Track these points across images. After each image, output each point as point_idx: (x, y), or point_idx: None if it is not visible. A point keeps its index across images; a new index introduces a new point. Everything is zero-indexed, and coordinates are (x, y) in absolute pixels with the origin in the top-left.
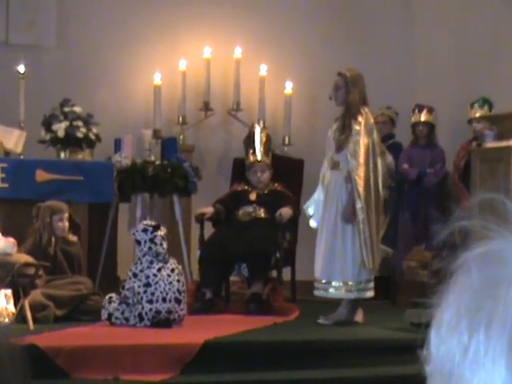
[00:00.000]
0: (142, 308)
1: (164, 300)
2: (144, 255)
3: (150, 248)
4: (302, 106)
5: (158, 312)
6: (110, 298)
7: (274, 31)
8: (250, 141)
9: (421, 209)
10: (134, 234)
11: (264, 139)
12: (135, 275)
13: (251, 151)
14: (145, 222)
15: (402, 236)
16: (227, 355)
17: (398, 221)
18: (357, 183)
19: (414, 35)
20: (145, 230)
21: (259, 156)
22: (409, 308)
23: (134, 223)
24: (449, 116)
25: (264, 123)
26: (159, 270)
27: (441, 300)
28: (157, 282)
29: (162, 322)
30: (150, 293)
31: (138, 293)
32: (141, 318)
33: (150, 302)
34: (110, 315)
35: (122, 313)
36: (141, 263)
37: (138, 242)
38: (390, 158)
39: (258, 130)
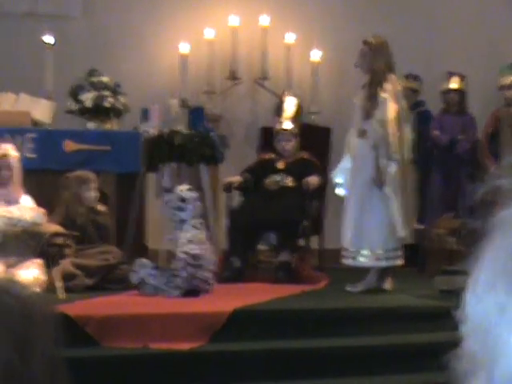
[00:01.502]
0: (188, 273)
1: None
2: (190, 214)
3: (194, 207)
4: (330, 74)
5: (195, 279)
6: (141, 262)
7: None
8: (278, 109)
9: (452, 176)
10: (177, 193)
11: (293, 108)
12: (190, 241)
13: (279, 119)
14: (181, 186)
15: (433, 203)
16: (256, 323)
17: (428, 189)
18: (383, 152)
19: (441, 0)
20: (190, 190)
21: (285, 124)
22: (438, 275)
23: (161, 193)
24: (480, 83)
25: (292, 92)
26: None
27: (476, 260)
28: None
29: (192, 290)
30: (199, 258)
31: (193, 257)
32: (176, 286)
33: (198, 266)
34: (140, 280)
35: (155, 279)
36: (190, 227)
37: (184, 201)
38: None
39: (287, 98)
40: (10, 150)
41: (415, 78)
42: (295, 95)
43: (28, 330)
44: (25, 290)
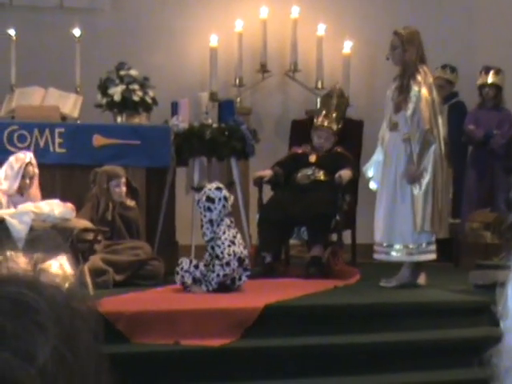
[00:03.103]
0: (224, 270)
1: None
2: (219, 214)
3: (224, 206)
4: (361, 66)
5: (226, 275)
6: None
7: None
8: (325, 101)
9: (487, 171)
10: (206, 192)
11: (340, 105)
12: (232, 242)
13: (324, 112)
14: (210, 185)
15: (467, 198)
16: (288, 319)
17: (463, 183)
18: (416, 145)
19: None
20: (218, 188)
21: (328, 121)
22: (472, 270)
23: (190, 190)
24: None
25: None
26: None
27: None
28: (239, 244)
29: (224, 285)
30: (234, 253)
31: (229, 255)
32: (210, 282)
33: (228, 264)
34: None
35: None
36: (222, 224)
37: (212, 201)
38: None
39: (337, 93)
40: (33, 159)
41: (452, 69)
42: (326, 88)
43: (73, 321)
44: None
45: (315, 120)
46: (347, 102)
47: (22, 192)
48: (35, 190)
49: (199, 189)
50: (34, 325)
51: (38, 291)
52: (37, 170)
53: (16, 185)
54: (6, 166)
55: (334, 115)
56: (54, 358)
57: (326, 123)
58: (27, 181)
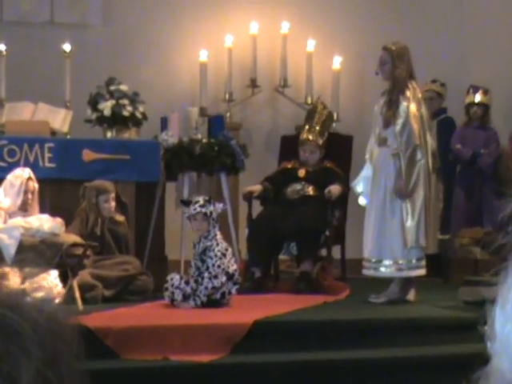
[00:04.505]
0: (212, 283)
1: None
2: (214, 227)
3: (216, 220)
4: (351, 82)
5: (214, 288)
6: (171, 277)
7: (321, 5)
8: (309, 116)
9: (475, 189)
10: (192, 208)
11: (323, 118)
12: (224, 254)
13: (307, 127)
14: (198, 198)
15: (456, 216)
16: (277, 335)
17: (451, 199)
18: (405, 160)
19: (464, 9)
20: (209, 202)
21: (312, 135)
22: (462, 286)
23: (179, 204)
24: (503, 97)
25: (315, 99)
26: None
27: (505, 276)
28: (229, 258)
29: (213, 301)
30: (222, 268)
31: (218, 267)
32: (199, 297)
33: (216, 277)
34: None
35: (183, 293)
36: (215, 238)
37: (207, 214)
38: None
39: (319, 105)
40: (31, 174)
41: (442, 84)
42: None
43: (56, 343)
44: (48, 304)
45: (300, 135)
46: (330, 114)
47: (25, 208)
48: (36, 204)
49: (187, 202)
50: (18, 348)
51: (21, 314)
52: (36, 185)
53: (19, 201)
54: (4, 184)
55: (318, 128)
56: (38, 381)
57: (310, 137)
58: (29, 196)
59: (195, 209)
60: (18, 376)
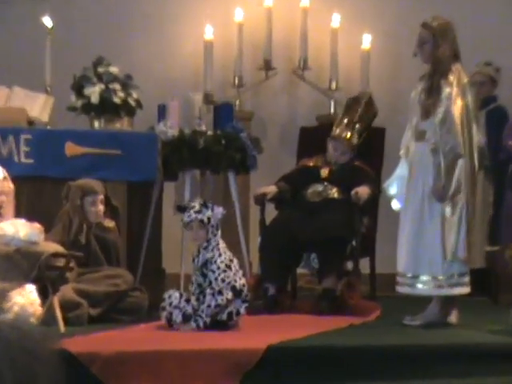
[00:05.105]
0: (216, 299)
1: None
2: (214, 236)
3: (217, 227)
4: (383, 64)
5: (218, 306)
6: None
7: None
8: (349, 108)
9: None
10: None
11: (367, 116)
12: (228, 266)
13: (345, 121)
14: (194, 203)
15: (507, 224)
16: (294, 363)
17: (502, 205)
18: (447, 157)
19: None
20: (205, 206)
21: (349, 133)
22: None
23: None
24: None
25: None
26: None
27: None
28: (236, 271)
29: (219, 322)
30: (227, 282)
31: (223, 281)
32: (201, 317)
33: (220, 293)
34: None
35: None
36: (217, 248)
37: (204, 221)
38: (479, 137)
39: (366, 100)
40: (5, 172)
41: (497, 69)
42: (341, 88)
43: (30, 365)
44: (22, 321)
45: (334, 128)
46: (376, 112)
47: (0, 212)
48: (10, 207)
49: (184, 208)
50: None
51: None
52: (12, 185)
53: None
54: None
55: (358, 126)
56: None
57: (345, 134)
58: (4, 198)
59: (189, 215)
60: None
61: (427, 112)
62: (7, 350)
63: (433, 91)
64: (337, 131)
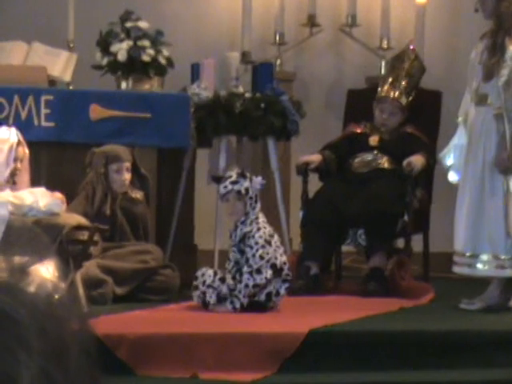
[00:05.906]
0: (254, 279)
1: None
2: (253, 209)
3: (256, 199)
4: (440, 20)
5: (257, 286)
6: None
7: None
8: (394, 66)
9: None
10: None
11: (413, 71)
12: (268, 242)
13: (390, 80)
14: (230, 173)
15: None
16: (338, 350)
17: None
18: (511, 124)
19: None
20: (243, 176)
21: (395, 92)
22: None
23: (209, 180)
24: None
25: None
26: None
27: None
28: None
29: (257, 303)
30: (266, 260)
31: (261, 258)
32: (238, 298)
33: (258, 271)
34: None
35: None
36: (256, 221)
37: (242, 193)
38: None
39: (409, 55)
40: (20, 136)
41: None
42: (393, 47)
43: (60, 334)
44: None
45: (379, 89)
46: (423, 67)
47: (13, 180)
48: (25, 175)
49: (218, 179)
50: (14, 339)
51: (15, 297)
52: (27, 150)
53: (7, 172)
54: None
55: (404, 84)
56: (40, 381)
57: (392, 94)
58: (18, 165)
59: (226, 186)
60: (16, 376)
61: (489, 73)
62: (34, 317)
63: (496, 50)
64: (383, 92)
